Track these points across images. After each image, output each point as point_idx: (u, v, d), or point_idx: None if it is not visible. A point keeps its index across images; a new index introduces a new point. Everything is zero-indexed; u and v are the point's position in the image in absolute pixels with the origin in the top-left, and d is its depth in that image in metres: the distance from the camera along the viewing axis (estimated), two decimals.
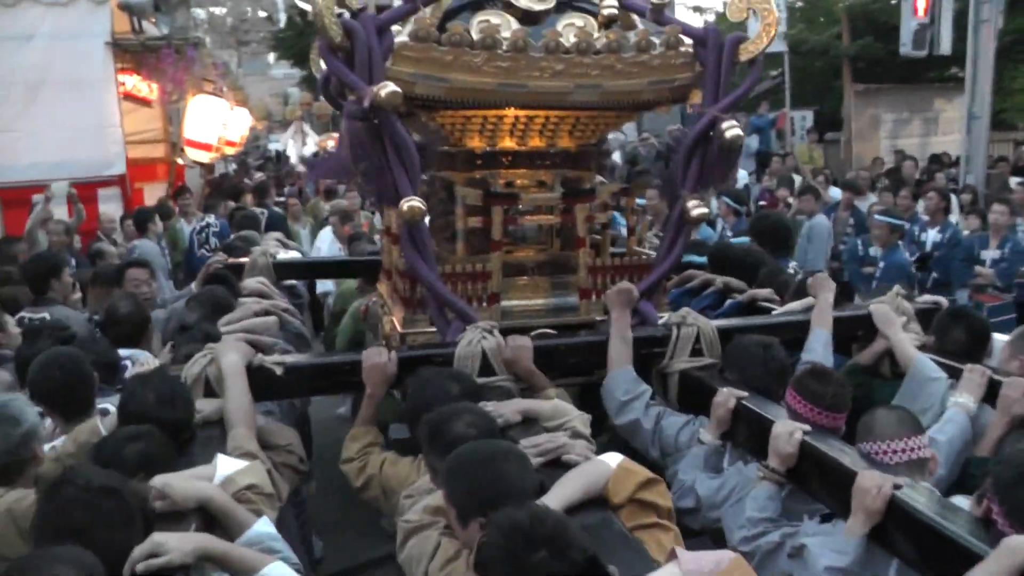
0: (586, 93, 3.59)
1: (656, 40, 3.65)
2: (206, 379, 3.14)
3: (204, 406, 3.02)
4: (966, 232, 8.06)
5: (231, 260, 5.03)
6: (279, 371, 3.21)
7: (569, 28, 3.62)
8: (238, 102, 12.46)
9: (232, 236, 6.41)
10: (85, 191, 8.43)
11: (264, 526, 2.40)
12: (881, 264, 7.16)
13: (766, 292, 4.43)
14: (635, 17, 3.86)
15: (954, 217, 8.94)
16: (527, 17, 3.68)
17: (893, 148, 15.41)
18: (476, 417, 2.56)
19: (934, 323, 3.78)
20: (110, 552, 1.99)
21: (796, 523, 2.64)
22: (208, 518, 2.39)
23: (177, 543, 2.07)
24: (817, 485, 2.68)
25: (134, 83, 9.65)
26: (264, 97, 29.63)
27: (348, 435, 3.21)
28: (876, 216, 7.57)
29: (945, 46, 12.36)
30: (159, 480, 2.35)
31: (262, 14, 22.58)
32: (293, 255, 5.60)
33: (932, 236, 8.00)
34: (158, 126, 10.95)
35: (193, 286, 4.93)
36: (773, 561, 2.58)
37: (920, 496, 2.35)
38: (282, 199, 10.77)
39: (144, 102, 10.11)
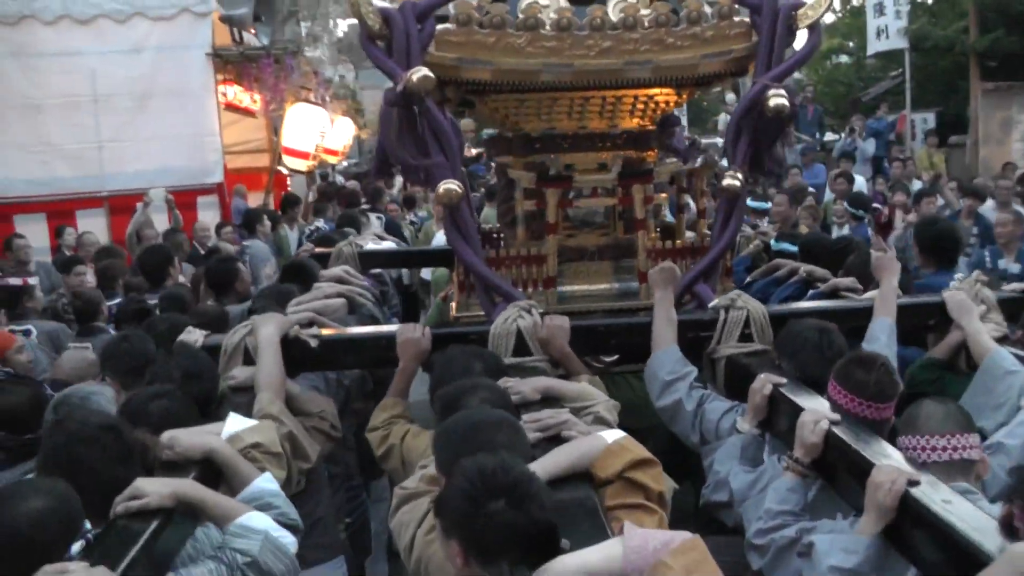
0: (637, 70, 3.50)
1: (708, 10, 3.50)
2: (246, 349, 3.25)
3: (239, 373, 3.16)
4: None
5: (318, 250, 5.19)
6: (314, 343, 3.28)
7: (619, 4, 3.53)
8: (343, 112, 12.63)
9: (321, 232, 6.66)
10: (185, 198, 8.85)
11: (266, 482, 2.46)
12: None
13: (848, 281, 4.14)
14: None
15: None
16: None
17: None
18: (490, 393, 2.52)
19: (1022, 319, 3.45)
20: (106, 486, 2.14)
21: (818, 520, 2.46)
22: (213, 471, 2.48)
23: (156, 487, 2.17)
24: (842, 479, 2.48)
25: (235, 93, 9.87)
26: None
27: (379, 405, 3.25)
28: None
29: None
30: (168, 433, 2.48)
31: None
32: (387, 245, 5.73)
33: None
34: (262, 136, 11.22)
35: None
36: (786, 558, 2.41)
37: (940, 495, 2.12)
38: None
39: (247, 112, 10.35)
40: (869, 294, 3.80)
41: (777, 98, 3.29)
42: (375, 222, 8.56)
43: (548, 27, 3.41)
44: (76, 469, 2.15)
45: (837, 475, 2.51)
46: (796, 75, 16.54)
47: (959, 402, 2.97)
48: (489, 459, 1.86)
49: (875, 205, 9.00)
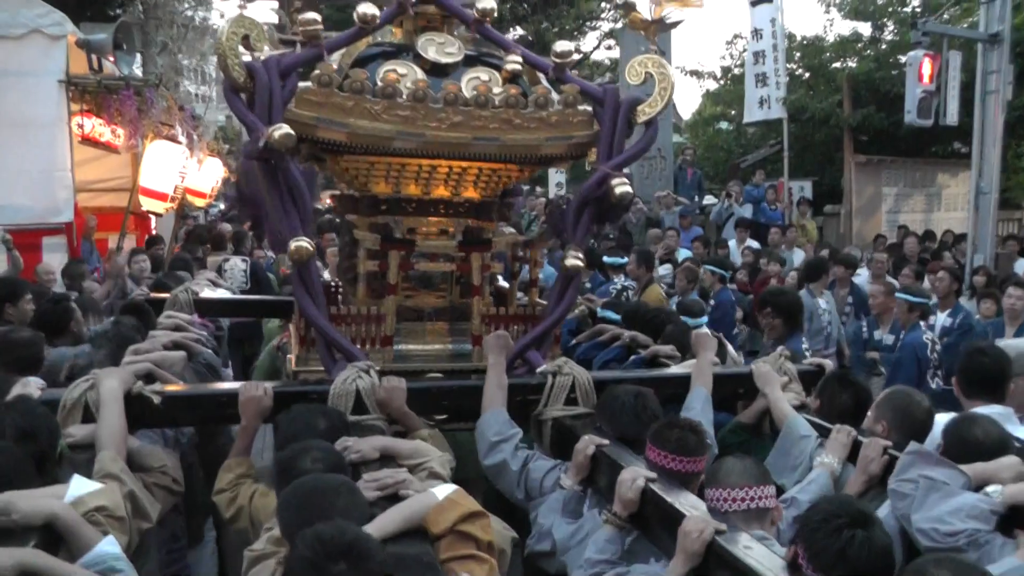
0: (485, 145, 3.71)
1: (556, 97, 3.78)
2: (86, 404, 3.19)
3: (76, 431, 3.07)
4: (977, 317, 7.37)
5: (153, 295, 5.09)
6: (156, 400, 3.26)
7: (473, 81, 3.76)
8: (212, 152, 11.87)
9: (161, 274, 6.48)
10: (28, 238, 8.02)
11: (108, 546, 2.43)
12: (899, 345, 6.58)
13: (668, 348, 4.53)
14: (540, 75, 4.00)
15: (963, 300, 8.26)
16: (435, 69, 3.82)
17: (896, 224, 14.74)
18: (323, 453, 2.62)
19: (819, 386, 3.86)
20: None
21: (632, 565, 2.69)
22: (54, 537, 2.41)
23: None
24: (655, 529, 2.74)
25: (93, 126, 8.89)
26: None
27: (222, 466, 3.26)
28: (897, 294, 6.94)
29: (952, 117, 11.78)
30: (4, 497, 2.38)
31: None
32: (222, 293, 5.67)
33: (942, 320, 7.21)
34: (127, 174, 10.18)
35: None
36: None
37: (742, 542, 2.40)
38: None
39: (109, 148, 9.38)
40: (687, 363, 4.16)
41: (622, 186, 3.59)
42: (239, 264, 8.39)
43: (404, 97, 3.58)
44: None
45: (651, 525, 2.76)
46: (677, 138, 16.80)
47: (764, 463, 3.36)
48: (326, 527, 2.01)
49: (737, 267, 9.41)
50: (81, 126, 8.60)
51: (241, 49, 3.43)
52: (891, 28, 17.93)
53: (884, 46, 17.57)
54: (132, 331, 4.16)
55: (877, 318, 7.26)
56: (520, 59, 3.89)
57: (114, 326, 4.36)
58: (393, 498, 2.57)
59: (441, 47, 3.90)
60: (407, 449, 3.00)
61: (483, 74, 3.83)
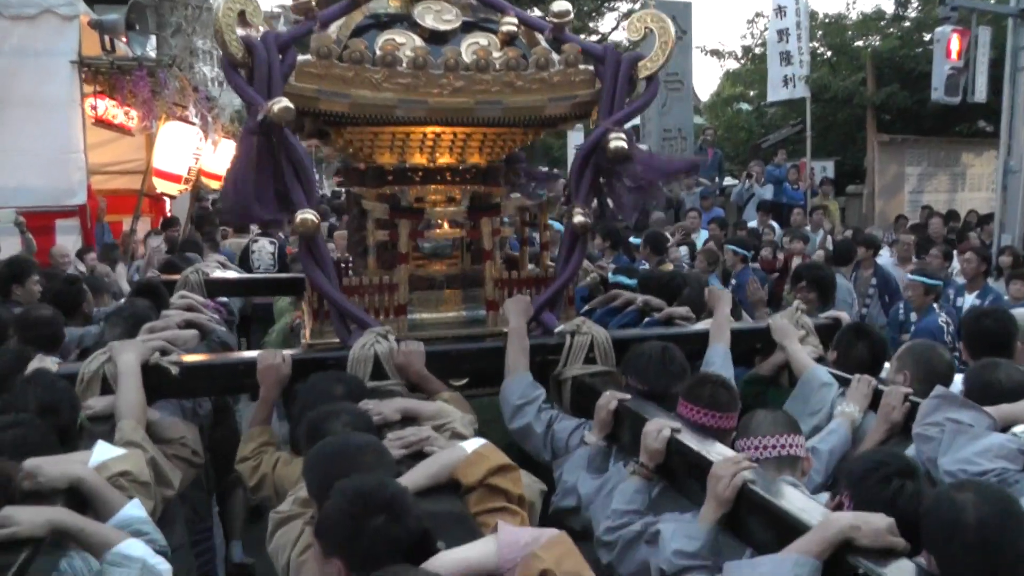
0: (488, 109, 3.69)
1: (556, 58, 3.76)
2: (104, 377, 3.20)
3: (95, 403, 3.10)
4: (1007, 298, 6.94)
5: (164, 277, 5.09)
6: (174, 370, 3.27)
7: (472, 47, 3.73)
8: (227, 134, 11.60)
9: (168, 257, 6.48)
10: (42, 221, 7.97)
11: (134, 509, 2.45)
12: (911, 328, 6.43)
13: (682, 310, 4.52)
14: (538, 36, 3.97)
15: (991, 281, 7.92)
16: (433, 36, 3.79)
17: (919, 204, 14.28)
18: (353, 417, 2.63)
19: (835, 338, 3.87)
20: None
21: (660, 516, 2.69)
22: (79, 500, 2.43)
23: (28, 516, 2.13)
24: (684, 480, 2.73)
25: (106, 107, 8.76)
26: None
27: (244, 435, 3.27)
28: (908, 275, 6.86)
29: (980, 94, 11.37)
30: (30, 462, 2.40)
31: None
32: (230, 274, 5.67)
33: (969, 301, 6.96)
34: (141, 156, 10.11)
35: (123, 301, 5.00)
36: (633, 550, 2.64)
37: (773, 486, 2.40)
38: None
39: (123, 130, 9.29)
40: (702, 323, 4.16)
41: (617, 140, 3.57)
42: (267, 247, 8.34)
43: (404, 65, 3.56)
44: None
45: (678, 476, 2.75)
46: (697, 119, 16.48)
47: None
48: (366, 480, 2.00)
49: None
50: (94, 107, 8.53)
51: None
52: (915, 5, 17.50)
53: (908, 23, 17.08)
54: (146, 310, 4.16)
55: (913, 306, 6.88)
56: (516, 21, 3.87)
57: (128, 305, 4.35)
58: (418, 456, 2.58)
59: (438, 14, 3.87)
60: (429, 410, 3.00)
61: (482, 39, 3.81)
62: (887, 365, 3.58)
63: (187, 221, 10.34)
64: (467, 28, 3.90)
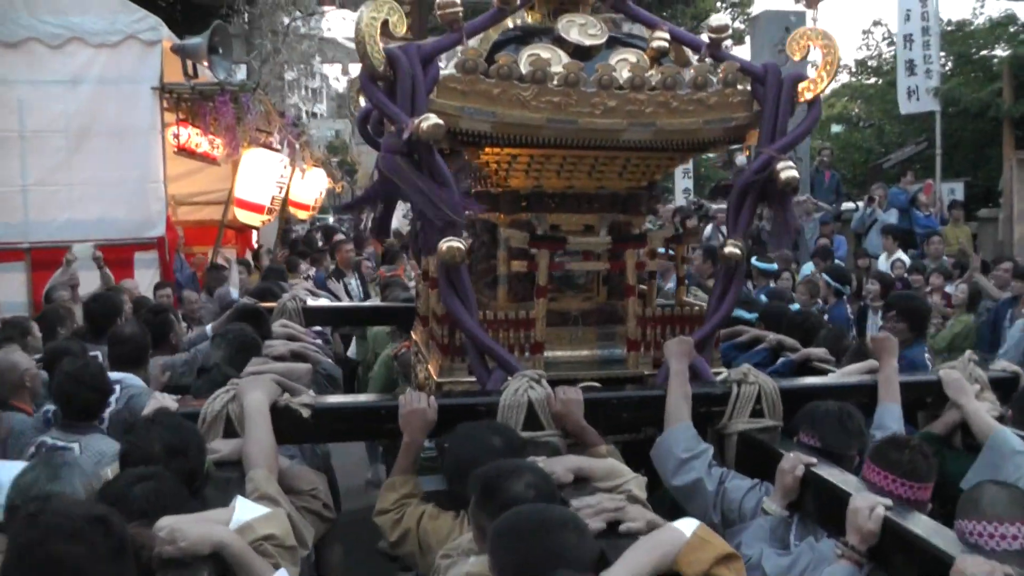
0: (639, 131, 3.38)
1: (713, 77, 3.44)
2: (227, 418, 2.94)
3: (221, 446, 2.83)
4: None
5: (261, 304, 4.83)
6: (306, 413, 2.98)
7: (622, 64, 3.43)
8: (315, 163, 11.21)
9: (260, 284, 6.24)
10: (121, 253, 7.62)
11: None
12: None
13: (821, 352, 4.18)
14: (689, 53, 3.66)
15: None
16: (577, 52, 3.50)
17: None
18: (536, 478, 2.30)
19: (1016, 396, 3.50)
20: None
21: None
22: (224, 568, 2.14)
23: None
24: (901, 567, 2.38)
25: (189, 135, 8.40)
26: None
27: (384, 484, 2.98)
28: None
29: None
30: (167, 521, 2.12)
31: None
32: (321, 302, 5.40)
33: None
34: (227, 186, 9.55)
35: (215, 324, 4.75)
36: None
37: None
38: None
39: (207, 159, 8.89)
40: (846, 368, 3.80)
41: (788, 170, 3.26)
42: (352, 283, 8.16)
43: (555, 81, 3.27)
44: (55, 572, 1.76)
45: (894, 561, 2.40)
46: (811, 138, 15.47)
47: (963, 482, 2.99)
48: None
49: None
50: (177, 136, 8.20)
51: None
52: None
53: None
54: (253, 335, 3.90)
55: None
56: (668, 36, 3.56)
57: (236, 328, 4.08)
58: (611, 529, 2.25)
59: (583, 28, 3.57)
60: (602, 469, 2.66)
61: (630, 55, 3.50)
62: None
63: (276, 249, 10.00)
64: (611, 44, 3.60)
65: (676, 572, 2.05)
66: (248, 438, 2.77)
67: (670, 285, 6.07)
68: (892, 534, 2.39)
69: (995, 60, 15.39)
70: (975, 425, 3.28)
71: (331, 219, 18.02)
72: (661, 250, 3.78)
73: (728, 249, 3.45)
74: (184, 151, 8.36)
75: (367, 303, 6.76)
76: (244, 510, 2.32)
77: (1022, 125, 13.64)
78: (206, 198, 9.93)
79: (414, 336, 4.38)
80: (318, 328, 5.00)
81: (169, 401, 2.99)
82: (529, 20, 3.83)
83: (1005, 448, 3.09)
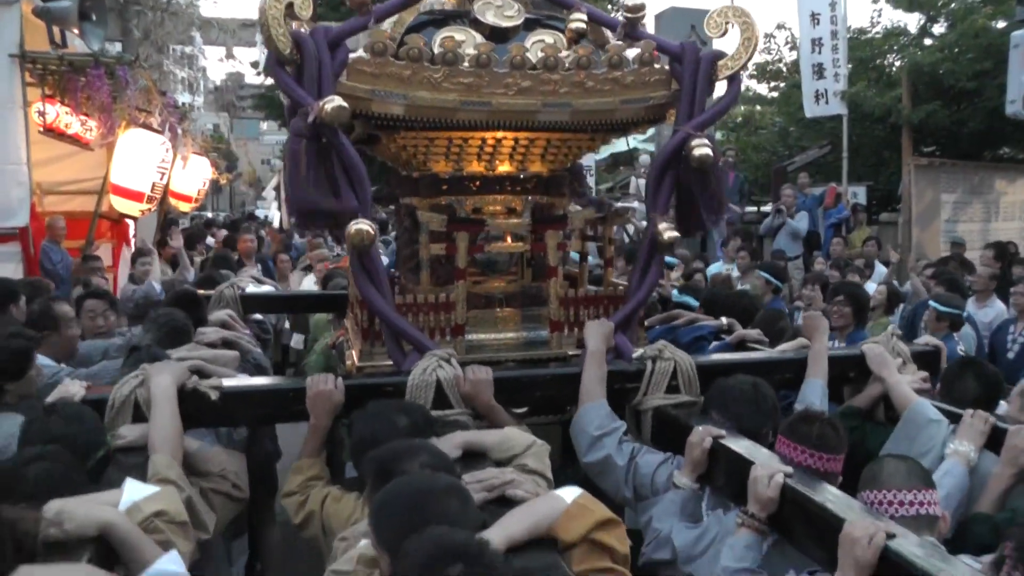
0: (555, 112, 3.37)
1: (629, 56, 3.44)
2: (136, 403, 2.90)
3: (128, 431, 2.80)
4: None
5: (200, 292, 4.79)
6: (214, 396, 2.96)
7: (537, 44, 3.43)
8: (201, 149, 10.23)
9: (206, 271, 6.15)
10: None
11: (170, 563, 2.13)
12: None
13: (755, 333, 4.19)
14: (608, 34, 3.66)
15: None
16: (494, 34, 3.48)
17: (952, 234, 12.63)
18: (431, 457, 2.27)
19: (942, 373, 3.55)
20: None
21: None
22: (107, 549, 2.12)
23: None
24: (801, 534, 2.38)
25: (57, 114, 7.15)
26: (255, 162, 29.16)
27: (292, 467, 2.96)
28: (931, 303, 6.13)
29: None
30: (54, 504, 2.09)
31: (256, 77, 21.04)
32: (265, 289, 5.37)
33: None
34: (101, 175, 8.33)
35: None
36: None
37: (920, 550, 2.04)
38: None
39: (79, 142, 7.53)
40: (783, 346, 3.82)
41: (702, 148, 3.25)
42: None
43: (467, 63, 3.25)
44: None
45: (795, 529, 2.40)
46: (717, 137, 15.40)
47: (881, 451, 3.01)
48: (451, 535, 1.69)
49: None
50: (43, 114, 7.01)
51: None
52: (945, 22, 15.99)
53: (948, 35, 15.41)
54: (184, 321, 3.85)
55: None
56: (585, 17, 3.55)
57: (166, 314, 3.99)
58: (501, 500, 2.24)
59: (499, 10, 3.56)
60: (492, 440, 2.66)
61: (547, 37, 3.50)
62: (1003, 403, 3.24)
63: (155, 245, 8.74)
64: (530, 25, 3.60)
65: (555, 538, 2.04)
66: (152, 423, 2.74)
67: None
68: (792, 503, 2.40)
69: (893, 67, 15.73)
70: (896, 398, 3.30)
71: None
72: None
73: (668, 233, 3.38)
74: (52, 131, 7.21)
75: (305, 291, 6.70)
76: (133, 491, 2.30)
77: (921, 130, 13.91)
78: (78, 187, 8.85)
79: (345, 323, 4.36)
80: (259, 317, 4.97)
81: (77, 387, 2.94)
82: (446, 3, 3.80)
83: (920, 418, 3.11)
